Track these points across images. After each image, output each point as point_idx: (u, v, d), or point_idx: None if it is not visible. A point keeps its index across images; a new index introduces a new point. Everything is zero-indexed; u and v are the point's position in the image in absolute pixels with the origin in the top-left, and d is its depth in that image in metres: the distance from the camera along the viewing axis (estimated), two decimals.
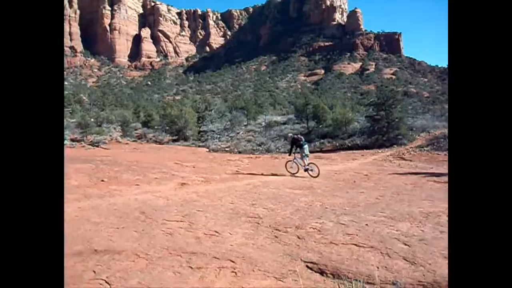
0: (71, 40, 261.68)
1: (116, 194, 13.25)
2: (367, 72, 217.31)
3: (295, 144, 19.46)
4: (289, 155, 19.91)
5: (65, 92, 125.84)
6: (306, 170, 18.76)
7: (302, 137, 20.08)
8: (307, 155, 19.31)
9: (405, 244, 7.09)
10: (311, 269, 6.24)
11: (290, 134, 21.33)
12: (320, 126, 45.91)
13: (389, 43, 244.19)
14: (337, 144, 38.62)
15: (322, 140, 40.43)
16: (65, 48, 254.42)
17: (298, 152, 19.51)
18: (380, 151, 32.60)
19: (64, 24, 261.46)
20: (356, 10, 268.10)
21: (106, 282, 5.82)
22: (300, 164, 19.18)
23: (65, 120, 52.73)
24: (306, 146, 19.53)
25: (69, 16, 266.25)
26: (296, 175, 18.96)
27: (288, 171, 19.52)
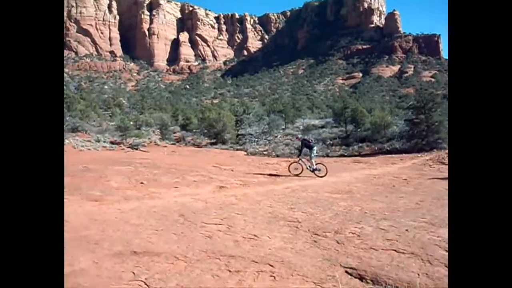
0: (110, 44, 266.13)
1: (155, 197, 13.38)
2: (406, 75, 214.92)
3: (305, 146, 20.10)
4: (299, 156, 20.52)
5: (105, 96, 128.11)
6: (313, 170, 19.40)
7: (312, 139, 21.40)
8: (315, 156, 20.14)
9: (447, 251, 6.96)
10: (350, 274, 6.18)
11: (299, 136, 21.69)
12: (359, 129, 45.54)
13: (428, 45, 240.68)
14: (376, 148, 38.22)
15: (360, 144, 40.08)
16: (105, 52, 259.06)
17: (306, 155, 20.27)
18: (419, 155, 32.09)
19: (105, 29, 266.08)
20: (394, 12, 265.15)
21: (145, 283, 5.87)
22: (309, 166, 19.73)
23: (104, 123, 53.62)
24: (315, 148, 20.40)
25: (109, 21, 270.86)
26: (300, 175, 19.50)
27: (291, 173, 19.99)
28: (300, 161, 20.17)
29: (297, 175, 19.62)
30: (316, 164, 19.77)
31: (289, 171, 20.23)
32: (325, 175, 18.99)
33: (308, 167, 19.70)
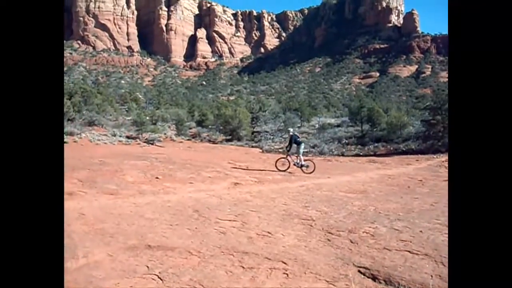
0: (128, 40, 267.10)
1: (170, 192, 13.46)
2: (423, 75, 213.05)
3: (294, 142, 20.52)
4: (288, 150, 21.03)
5: (121, 91, 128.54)
6: (301, 166, 20.03)
7: (299, 135, 21.66)
8: (303, 153, 20.84)
9: None
10: (363, 274, 6.18)
11: (290, 130, 21.86)
12: (374, 129, 45.26)
13: (447, 45, 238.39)
14: (391, 148, 37.98)
15: (376, 144, 39.83)
16: (122, 47, 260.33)
17: (295, 152, 20.69)
18: (435, 156, 31.83)
19: (122, 24, 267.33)
20: (413, 11, 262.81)
21: (159, 277, 5.93)
22: (297, 162, 20.31)
23: (120, 118, 53.83)
24: (303, 144, 21.05)
25: (127, 16, 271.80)
26: (288, 171, 20.10)
27: (278, 169, 20.40)
28: (288, 157, 20.77)
29: (283, 170, 20.17)
30: (304, 161, 20.40)
31: (276, 167, 20.69)
32: (312, 171, 19.60)
33: (296, 163, 20.30)
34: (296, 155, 20.53)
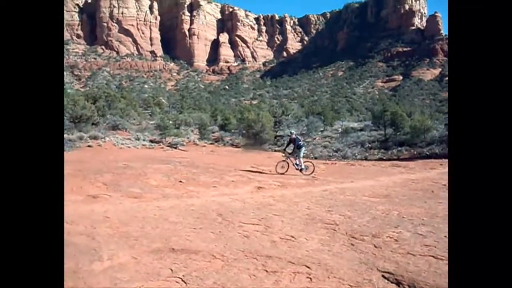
0: (151, 44, 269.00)
1: (193, 195, 13.54)
2: (447, 78, 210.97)
3: (295, 144, 20.99)
4: (284, 150, 21.88)
5: (145, 95, 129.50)
6: (301, 169, 20.48)
7: (301, 139, 22.02)
8: (302, 156, 21.20)
9: None
10: (387, 279, 6.15)
11: (292, 131, 22.12)
12: (398, 133, 44.97)
13: None
14: (415, 153, 37.63)
15: (399, 148, 39.52)
16: (146, 52, 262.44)
17: (295, 155, 21.04)
18: None
19: (146, 29, 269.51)
20: (436, 14, 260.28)
21: (183, 280, 5.97)
22: (297, 164, 20.70)
23: (144, 122, 54.24)
24: (303, 148, 21.81)
25: (150, 21, 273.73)
26: (285, 173, 20.38)
27: (278, 172, 20.59)
28: (287, 160, 21.02)
29: (282, 173, 20.34)
30: (304, 164, 20.88)
31: (276, 170, 20.84)
32: (312, 173, 20.19)
33: (296, 165, 20.67)
34: (295, 157, 20.87)
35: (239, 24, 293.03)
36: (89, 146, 30.00)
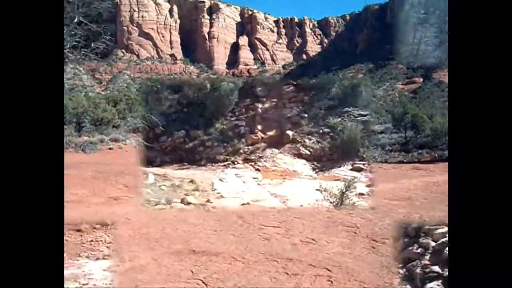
0: (171, 48, 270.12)
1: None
2: None
3: None
4: None
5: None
6: None
7: None
8: None
9: None
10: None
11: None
12: (419, 136, 44.55)
13: None
14: (436, 155, 37.26)
15: (420, 151, 39.17)
16: (166, 55, 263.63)
17: None
18: None
19: (165, 33, 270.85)
20: None
21: (203, 282, 5.98)
22: None
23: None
24: None
25: (170, 25, 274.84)
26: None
27: None
28: None
29: None
30: None
31: None
32: None
33: None
34: None
35: (258, 27, 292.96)
36: (110, 148, 30.22)
